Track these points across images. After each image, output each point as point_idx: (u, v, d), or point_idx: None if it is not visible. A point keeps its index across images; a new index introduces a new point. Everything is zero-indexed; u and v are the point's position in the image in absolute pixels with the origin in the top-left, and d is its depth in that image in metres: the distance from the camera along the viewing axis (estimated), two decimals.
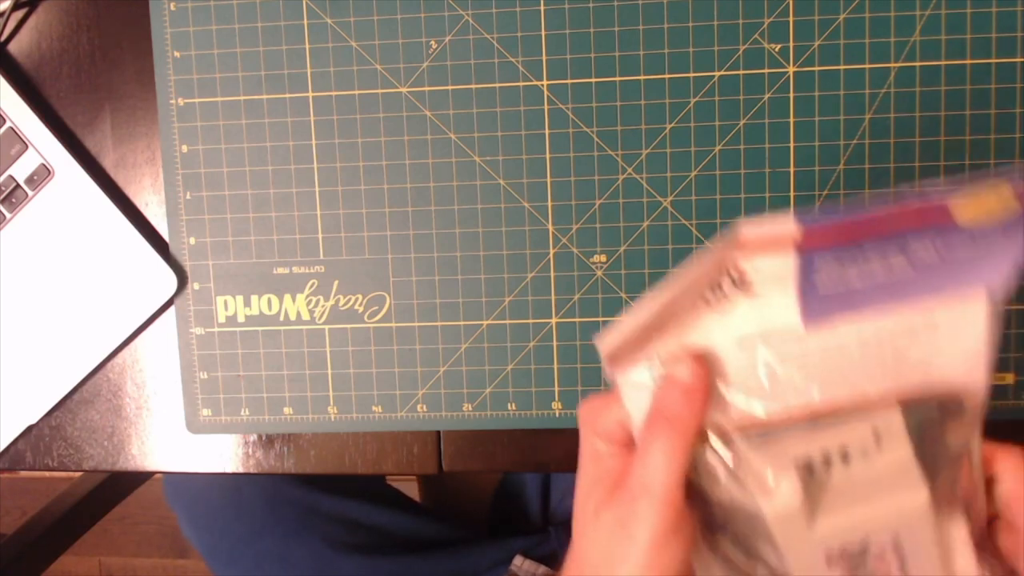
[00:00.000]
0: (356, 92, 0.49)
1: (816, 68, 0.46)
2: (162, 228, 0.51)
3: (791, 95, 0.46)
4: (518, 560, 0.66)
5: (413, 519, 0.70)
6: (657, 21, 0.46)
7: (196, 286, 0.51)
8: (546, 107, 0.48)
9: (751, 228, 0.25)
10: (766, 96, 0.46)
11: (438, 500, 0.83)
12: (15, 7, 0.51)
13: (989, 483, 0.30)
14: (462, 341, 0.49)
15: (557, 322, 0.49)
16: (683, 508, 0.29)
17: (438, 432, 0.51)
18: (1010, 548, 0.30)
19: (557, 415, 0.49)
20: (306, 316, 0.50)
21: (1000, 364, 0.47)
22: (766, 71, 0.46)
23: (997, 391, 0.47)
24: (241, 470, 0.52)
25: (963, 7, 0.45)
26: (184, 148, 0.50)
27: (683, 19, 0.46)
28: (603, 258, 0.48)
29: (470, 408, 0.50)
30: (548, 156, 0.48)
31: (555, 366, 0.49)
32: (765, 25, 0.46)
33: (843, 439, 0.28)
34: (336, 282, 0.50)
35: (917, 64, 0.45)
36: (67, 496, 0.84)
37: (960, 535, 0.29)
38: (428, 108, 0.48)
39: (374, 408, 0.50)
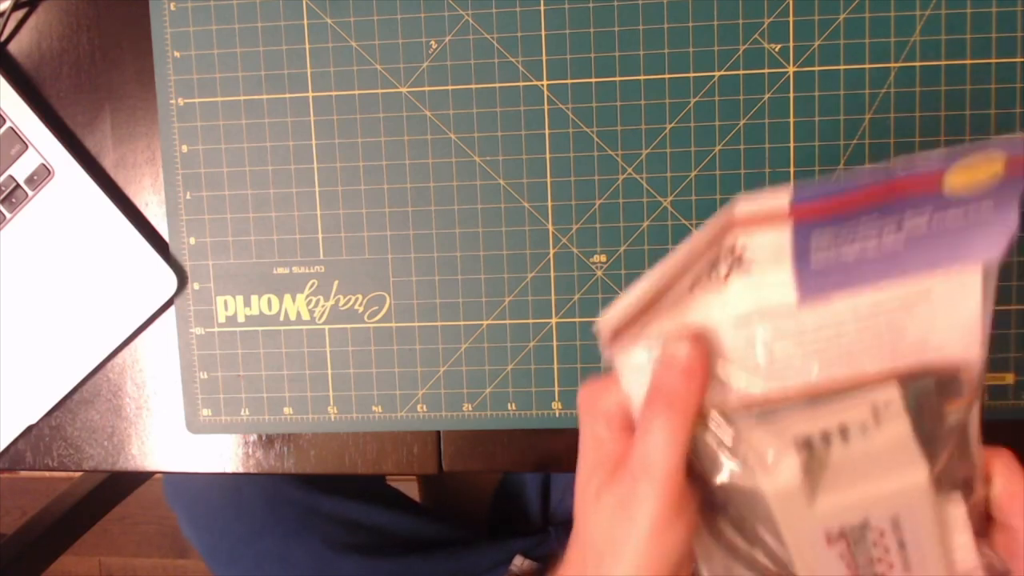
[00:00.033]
0: (356, 92, 0.49)
1: (816, 68, 0.46)
2: (162, 228, 0.51)
3: (791, 95, 0.46)
4: (518, 560, 0.66)
5: (413, 519, 0.70)
6: (657, 21, 0.46)
7: (196, 286, 0.51)
8: (546, 107, 0.48)
9: (747, 203, 0.25)
10: (766, 96, 0.46)
11: (438, 500, 0.83)
12: (15, 7, 0.51)
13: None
14: (462, 341, 0.49)
15: (557, 322, 0.49)
16: (685, 488, 0.29)
17: (438, 432, 0.51)
18: (1003, 547, 0.30)
19: (557, 415, 0.49)
20: (306, 316, 0.50)
21: (1000, 364, 0.47)
22: (766, 71, 0.46)
23: (997, 391, 0.47)
24: (241, 470, 0.52)
25: (963, 7, 0.45)
26: (184, 148, 0.50)
27: (683, 19, 0.46)
28: (603, 258, 0.48)
29: (470, 408, 0.50)
30: (548, 156, 0.48)
31: (555, 366, 0.49)
32: (765, 25, 0.46)
33: (842, 416, 0.28)
34: (336, 282, 0.50)
35: (917, 64, 0.45)
36: (67, 496, 0.84)
37: (959, 517, 0.29)
38: (428, 108, 0.48)
39: (374, 408, 0.50)
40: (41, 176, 0.50)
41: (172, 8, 0.49)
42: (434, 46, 0.48)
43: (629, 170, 0.48)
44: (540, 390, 0.49)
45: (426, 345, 0.50)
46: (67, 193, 0.50)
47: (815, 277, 0.27)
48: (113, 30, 0.51)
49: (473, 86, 0.48)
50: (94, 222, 0.50)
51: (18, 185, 0.50)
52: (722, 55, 0.46)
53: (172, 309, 0.51)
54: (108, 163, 0.52)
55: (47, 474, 1.36)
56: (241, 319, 0.51)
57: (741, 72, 0.46)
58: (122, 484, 0.92)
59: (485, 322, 0.49)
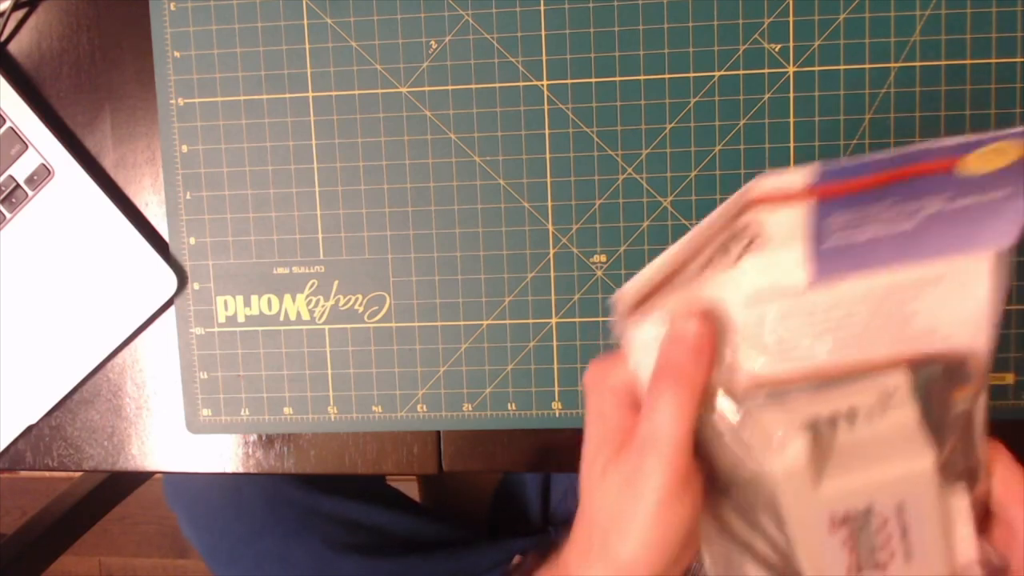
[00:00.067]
0: (356, 92, 0.49)
1: (816, 68, 0.46)
2: (162, 228, 0.51)
3: (791, 95, 0.46)
4: (518, 560, 0.66)
5: (413, 519, 0.70)
6: (657, 21, 0.46)
7: (196, 286, 0.51)
8: (546, 107, 0.48)
9: (768, 180, 0.25)
10: (766, 96, 0.46)
11: (438, 500, 0.83)
12: (15, 7, 0.51)
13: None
14: (462, 341, 0.49)
15: (557, 322, 0.49)
16: (691, 465, 0.29)
17: (438, 432, 0.51)
18: (1002, 541, 0.30)
19: (557, 415, 0.49)
20: (306, 316, 0.50)
21: (1000, 364, 0.47)
22: (766, 71, 0.46)
23: (997, 391, 0.47)
24: (241, 470, 0.52)
25: (963, 7, 0.45)
26: (184, 148, 0.50)
27: (683, 19, 0.46)
28: (603, 258, 0.48)
29: (470, 408, 0.50)
30: (548, 156, 0.48)
31: (555, 366, 0.49)
32: (765, 25, 0.46)
33: (850, 401, 0.28)
34: (336, 282, 0.50)
35: (917, 64, 0.45)
36: (67, 496, 0.84)
37: (962, 508, 0.29)
38: (428, 108, 0.48)
39: (374, 408, 0.50)
40: (41, 176, 0.50)
41: (172, 8, 0.49)
42: (434, 46, 0.48)
43: (629, 170, 0.48)
44: (540, 390, 0.49)
45: (426, 345, 0.50)
46: (67, 193, 0.50)
47: (828, 258, 0.26)
48: (113, 30, 0.51)
49: (473, 86, 0.48)
50: (94, 222, 0.50)
51: (18, 185, 0.50)
52: (722, 55, 0.46)
53: (172, 309, 0.51)
54: (108, 163, 0.52)
55: (47, 474, 1.36)
56: (241, 319, 0.51)
57: (741, 72, 0.46)
58: (122, 484, 0.92)
59: (485, 322, 0.49)
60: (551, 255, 0.48)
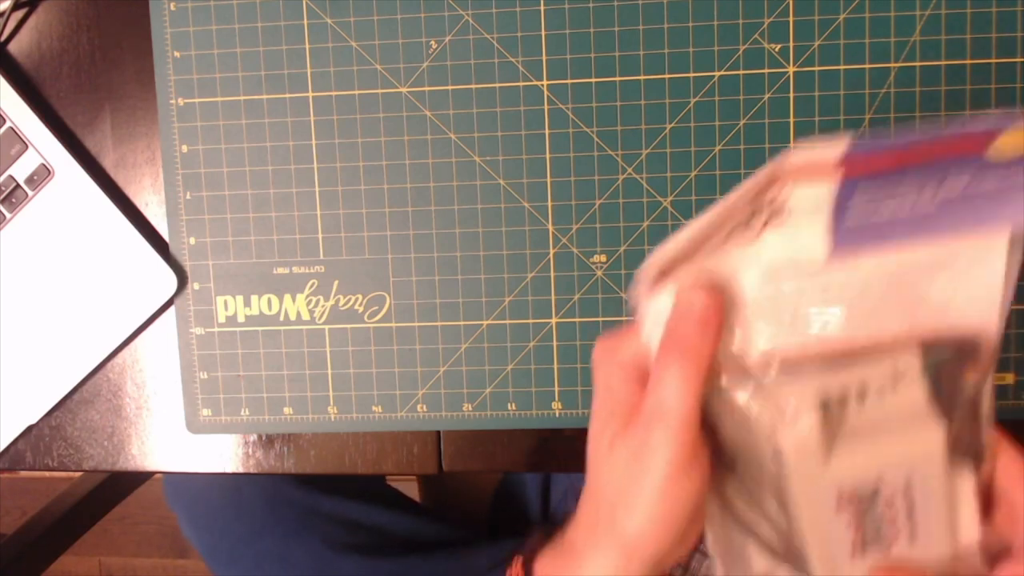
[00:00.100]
0: (356, 92, 0.49)
1: (816, 68, 0.46)
2: (162, 228, 0.51)
3: (791, 95, 0.46)
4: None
5: (413, 519, 0.69)
6: (657, 21, 0.46)
7: (196, 286, 0.51)
8: (546, 107, 0.48)
9: (803, 153, 0.25)
10: (766, 96, 0.46)
11: (438, 500, 0.83)
12: (15, 7, 0.51)
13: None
14: (462, 341, 0.49)
15: (557, 322, 0.49)
16: (698, 439, 0.28)
17: (438, 432, 0.51)
18: (1004, 524, 0.30)
19: (557, 415, 0.49)
20: (306, 316, 0.50)
21: (1000, 364, 0.47)
22: (766, 71, 0.46)
23: (997, 391, 0.47)
24: (241, 470, 0.52)
25: (963, 7, 0.45)
26: (184, 148, 0.50)
27: (683, 19, 0.46)
28: (603, 258, 0.48)
29: (470, 408, 0.50)
30: (548, 156, 0.48)
31: (555, 366, 0.49)
32: (765, 25, 0.46)
33: (861, 378, 0.27)
34: (336, 282, 0.50)
35: (917, 64, 0.45)
36: (67, 496, 0.84)
37: (968, 489, 0.29)
38: (428, 108, 0.48)
39: (374, 408, 0.50)
40: (41, 176, 0.50)
41: (172, 8, 0.49)
42: (434, 46, 0.48)
43: (629, 170, 0.48)
44: (540, 390, 0.49)
45: (426, 345, 0.50)
46: (67, 193, 0.50)
47: (847, 235, 0.26)
48: (113, 30, 0.51)
49: (473, 86, 0.48)
50: (94, 222, 0.50)
51: (18, 185, 0.50)
52: (722, 55, 0.46)
53: (172, 309, 0.51)
54: (108, 163, 0.52)
55: (47, 474, 1.36)
56: (241, 319, 0.51)
57: (741, 72, 0.46)
58: (122, 484, 0.92)
59: (485, 322, 0.49)
60: (551, 255, 0.48)
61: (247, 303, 0.51)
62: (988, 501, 0.30)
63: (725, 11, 0.46)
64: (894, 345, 0.28)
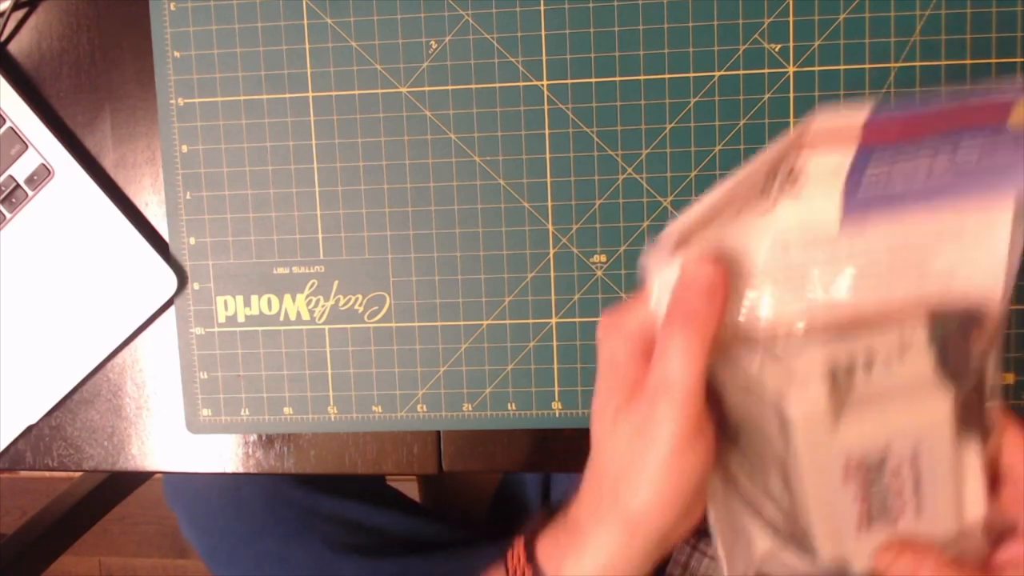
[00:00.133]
0: (356, 92, 0.49)
1: (816, 68, 0.46)
2: (162, 228, 0.51)
3: (791, 95, 0.46)
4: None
5: (413, 520, 0.69)
6: (657, 21, 0.46)
7: (196, 286, 0.51)
8: (546, 107, 0.48)
9: (825, 117, 0.25)
10: (766, 96, 0.46)
11: (438, 500, 0.83)
12: (15, 7, 0.51)
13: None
14: (462, 341, 0.49)
15: (557, 322, 0.49)
16: (703, 412, 0.28)
17: (438, 432, 0.51)
18: (1010, 500, 0.30)
19: (557, 415, 0.49)
20: (306, 316, 0.50)
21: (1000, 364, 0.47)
22: (766, 71, 0.46)
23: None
24: (241, 470, 0.52)
25: (963, 7, 0.45)
26: (184, 148, 0.50)
27: (683, 19, 0.46)
28: (603, 258, 0.48)
29: (470, 408, 0.50)
30: (548, 156, 0.48)
31: (555, 366, 0.49)
32: (765, 25, 0.46)
33: (868, 347, 0.27)
34: (336, 282, 0.50)
35: (917, 64, 0.45)
36: (67, 496, 0.84)
37: (975, 466, 0.29)
38: (428, 108, 0.48)
39: (374, 408, 0.50)
40: (41, 176, 0.50)
41: (172, 8, 0.49)
42: (434, 46, 0.48)
43: (629, 170, 0.48)
44: (540, 390, 0.49)
45: (426, 345, 0.50)
46: (67, 193, 0.50)
47: (861, 203, 0.26)
48: (113, 30, 0.51)
49: (473, 86, 0.48)
50: (94, 222, 0.50)
51: (18, 185, 0.50)
52: (722, 55, 0.46)
53: (172, 309, 0.51)
54: (108, 163, 0.52)
55: (47, 474, 1.36)
56: (241, 319, 0.51)
57: (741, 72, 0.46)
58: (122, 484, 0.92)
59: (485, 322, 0.49)
60: (551, 255, 0.48)
61: (247, 303, 0.51)
62: (993, 479, 0.30)
63: (725, 11, 0.46)
64: (901, 315, 0.28)
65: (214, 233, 0.50)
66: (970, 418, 0.28)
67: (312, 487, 0.66)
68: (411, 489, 0.79)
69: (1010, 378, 0.47)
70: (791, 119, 0.46)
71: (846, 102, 0.25)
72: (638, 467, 0.29)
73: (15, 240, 0.51)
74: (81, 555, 1.39)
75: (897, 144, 0.25)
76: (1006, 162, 0.26)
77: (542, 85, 0.48)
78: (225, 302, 0.51)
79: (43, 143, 0.50)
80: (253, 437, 0.52)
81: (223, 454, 0.53)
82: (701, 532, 0.33)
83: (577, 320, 0.49)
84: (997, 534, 0.30)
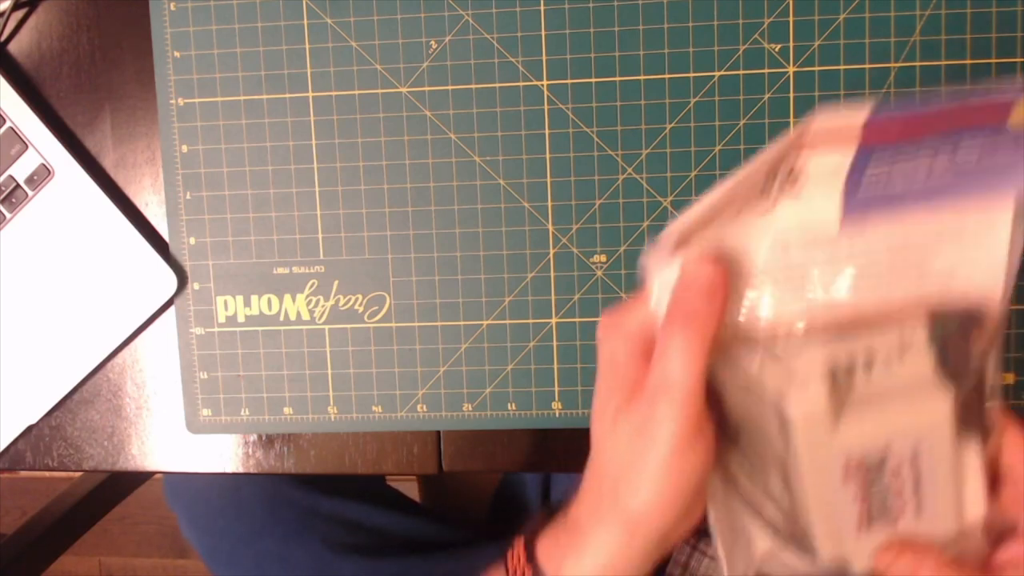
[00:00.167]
0: (356, 92, 0.49)
1: (816, 68, 0.46)
2: (162, 228, 0.51)
3: (791, 95, 0.46)
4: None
5: (413, 520, 0.69)
6: (657, 21, 0.46)
7: (196, 286, 0.51)
8: (546, 107, 0.48)
9: (825, 117, 0.25)
10: (766, 96, 0.46)
11: (438, 500, 0.83)
12: (15, 7, 0.51)
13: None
14: (462, 341, 0.49)
15: (557, 322, 0.49)
16: (704, 412, 0.28)
17: (438, 432, 0.51)
18: (1010, 500, 0.30)
19: (557, 415, 0.49)
20: (306, 316, 0.50)
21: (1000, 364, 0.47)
22: (766, 71, 0.46)
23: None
24: (241, 470, 0.52)
25: (963, 7, 0.45)
26: (184, 148, 0.50)
27: (683, 19, 0.46)
28: (603, 258, 0.48)
29: (470, 408, 0.50)
30: (548, 156, 0.48)
31: (555, 366, 0.49)
32: (765, 25, 0.46)
33: (868, 347, 0.28)
34: (336, 282, 0.50)
35: (917, 64, 0.45)
36: (67, 496, 0.84)
37: (975, 466, 0.29)
38: (428, 108, 0.48)
39: (374, 408, 0.50)
40: (41, 176, 0.50)
41: (172, 8, 0.49)
42: (434, 46, 0.48)
43: (629, 170, 0.48)
44: (540, 390, 0.49)
45: (426, 345, 0.50)
46: (67, 193, 0.50)
47: (861, 203, 0.26)
48: (113, 30, 0.51)
49: (473, 86, 0.48)
50: (94, 222, 0.50)
51: (18, 185, 0.50)
52: (722, 55, 0.46)
53: (172, 309, 0.51)
54: (108, 163, 0.52)
55: (47, 474, 1.36)
56: (241, 319, 0.51)
57: (741, 72, 0.46)
58: (122, 484, 0.92)
59: (485, 322, 0.49)
60: (551, 255, 0.48)
61: (247, 303, 0.51)
62: (993, 479, 0.30)
63: (725, 11, 0.46)
64: (901, 315, 0.28)
65: (214, 233, 0.50)
66: (970, 418, 0.28)
67: (312, 487, 0.66)
68: (411, 489, 0.79)
69: (1010, 378, 0.47)
70: (791, 119, 0.46)
71: (846, 102, 0.25)
72: (638, 467, 0.29)
73: (15, 240, 0.51)
74: (81, 555, 1.39)
75: (897, 144, 0.25)
76: (1006, 162, 0.26)
77: (542, 85, 0.48)
78: (225, 302, 0.51)
79: (43, 143, 0.50)
80: (253, 437, 0.52)
81: (223, 454, 0.53)
82: (701, 532, 0.33)
83: (577, 320, 0.49)
84: (997, 534, 0.30)
